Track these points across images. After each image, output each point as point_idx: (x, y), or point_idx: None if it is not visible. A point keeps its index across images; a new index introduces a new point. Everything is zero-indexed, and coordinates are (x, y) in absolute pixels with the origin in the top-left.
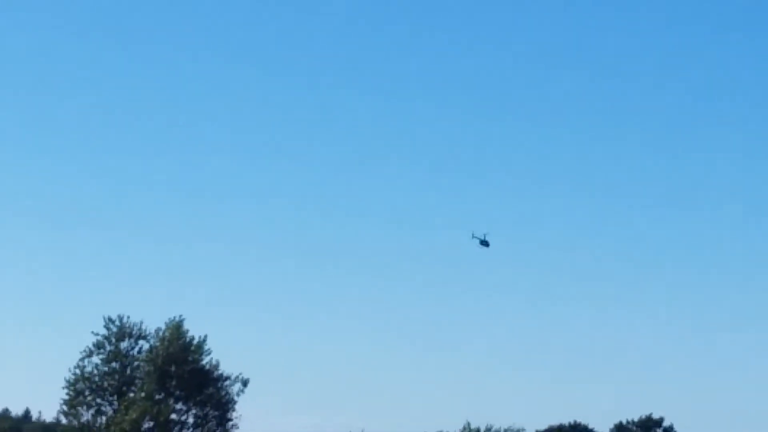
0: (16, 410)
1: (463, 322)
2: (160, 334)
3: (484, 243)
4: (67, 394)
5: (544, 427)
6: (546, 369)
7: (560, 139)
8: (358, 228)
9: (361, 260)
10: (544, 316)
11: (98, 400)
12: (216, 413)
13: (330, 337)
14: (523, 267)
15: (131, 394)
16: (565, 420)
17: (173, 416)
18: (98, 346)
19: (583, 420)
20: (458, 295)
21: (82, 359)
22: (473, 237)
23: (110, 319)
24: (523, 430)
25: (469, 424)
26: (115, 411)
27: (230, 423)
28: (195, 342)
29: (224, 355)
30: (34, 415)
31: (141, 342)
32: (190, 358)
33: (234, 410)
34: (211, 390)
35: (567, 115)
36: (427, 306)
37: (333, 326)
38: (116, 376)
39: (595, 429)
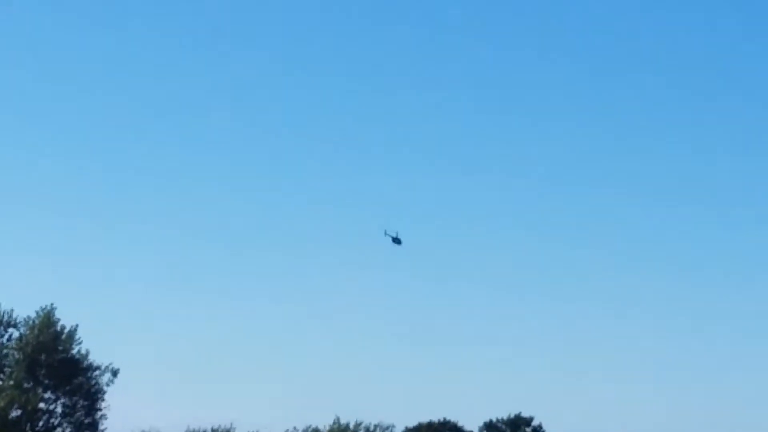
0: None
1: (334, 315)
2: (31, 322)
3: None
4: None
5: (414, 423)
6: (416, 365)
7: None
8: (243, 214)
9: (243, 247)
10: (416, 311)
11: None
12: (85, 403)
13: (202, 329)
14: (409, 262)
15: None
16: (435, 417)
17: (41, 405)
18: None
19: (452, 417)
20: (336, 286)
21: None
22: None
23: None
24: (393, 426)
25: (338, 419)
26: None
27: (99, 413)
28: (66, 331)
29: (95, 345)
30: None
31: (11, 330)
32: (60, 347)
33: (103, 400)
34: (80, 379)
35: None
36: (299, 298)
37: (207, 318)
38: None
39: (465, 427)
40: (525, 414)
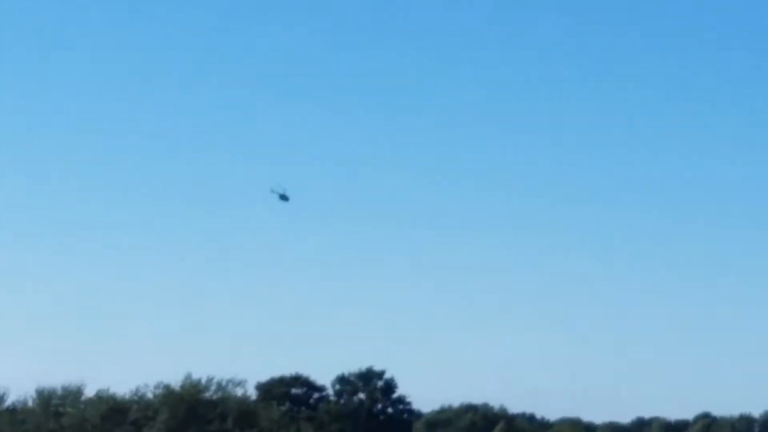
0: None
1: (185, 269)
2: None
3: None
4: None
5: (266, 378)
6: (267, 321)
7: None
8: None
9: (107, 203)
10: (275, 266)
11: None
12: None
13: (53, 288)
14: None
15: None
16: (287, 372)
17: None
18: None
19: (305, 372)
20: (198, 243)
21: None
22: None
23: None
24: (245, 381)
25: (190, 375)
26: None
27: None
28: None
29: None
30: None
31: None
32: None
33: None
34: None
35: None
36: (147, 251)
37: (58, 277)
38: None
39: (317, 381)
40: (377, 368)
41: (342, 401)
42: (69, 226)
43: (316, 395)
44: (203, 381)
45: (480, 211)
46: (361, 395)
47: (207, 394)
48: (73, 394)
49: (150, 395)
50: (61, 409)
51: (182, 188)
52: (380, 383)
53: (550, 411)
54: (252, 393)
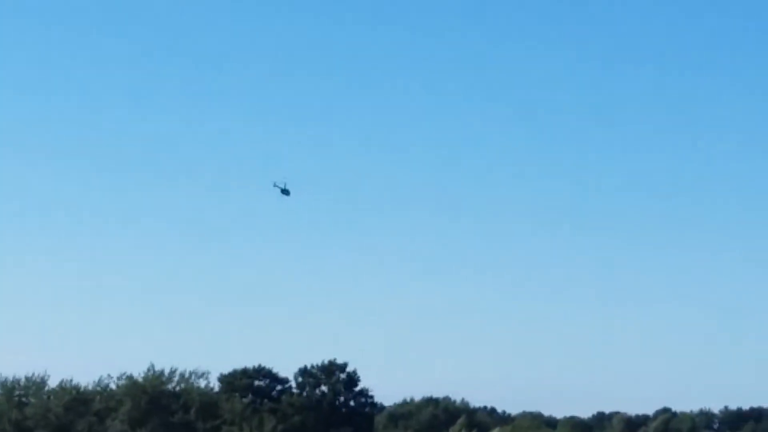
0: None
1: (155, 265)
2: None
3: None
4: None
5: (229, 370)
6: (230, 313)
7: None
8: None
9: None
10: (230, 262)
11: None
12: None
13: (16, 277)
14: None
15: None
16: (250, 364)
17: None
18: None
19: (268, 364)
20: (146, 236)
21: None
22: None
23: None
24: (209, 373)
25: (153, 366)
26: None
27: None
28: None
29: None
30: None
31: None
32: None
33: None
34: None
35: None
36: (112, 242)
37: (20, 266)
38: None
39: (280, 373)
40: (339, 361)
41: (305, 394)
42: (39, 216)
43: (278, 387)
44: (166, 372)
45: (441, 205)
46: (324, 388)
47: (170, 386)
48: (36, 385)
49: (113, 386)
50: (24, 399)
51: (164, 181)
52: (343, 376)
53: (511, 405)
54: (215, 384)
